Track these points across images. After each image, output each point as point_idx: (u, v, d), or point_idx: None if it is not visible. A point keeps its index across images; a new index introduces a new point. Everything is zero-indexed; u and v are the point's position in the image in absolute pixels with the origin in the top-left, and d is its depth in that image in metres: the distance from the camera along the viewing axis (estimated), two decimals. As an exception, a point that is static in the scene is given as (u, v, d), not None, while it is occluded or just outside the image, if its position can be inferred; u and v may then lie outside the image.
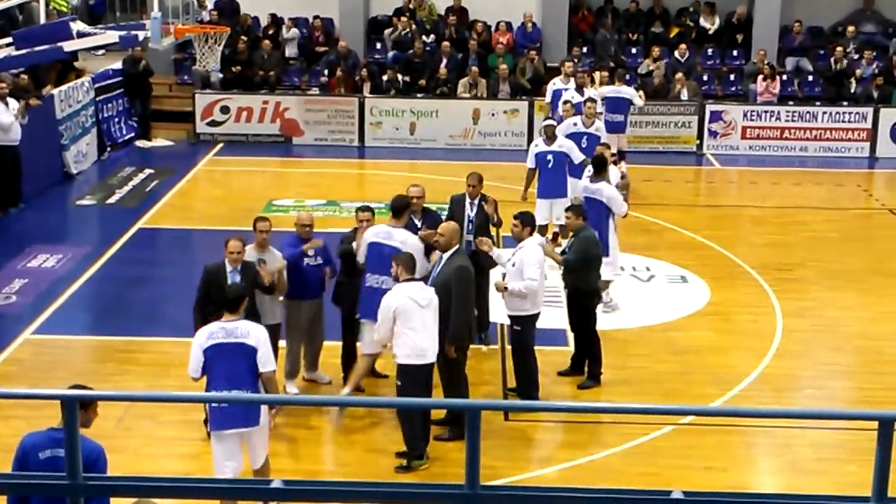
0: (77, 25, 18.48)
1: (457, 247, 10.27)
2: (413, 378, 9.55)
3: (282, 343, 10.88)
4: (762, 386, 11.62)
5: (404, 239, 10.50)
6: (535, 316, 10.90)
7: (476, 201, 12.00)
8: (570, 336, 11.99)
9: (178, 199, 18.72)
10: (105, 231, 17.01)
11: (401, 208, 10.81)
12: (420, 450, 9.80)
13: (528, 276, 10.57)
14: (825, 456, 10.19)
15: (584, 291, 11.46)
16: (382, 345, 9.92)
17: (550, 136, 15.19)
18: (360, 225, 10.91)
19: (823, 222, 17.87)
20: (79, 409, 4.92)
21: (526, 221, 10.89)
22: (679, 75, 22.94)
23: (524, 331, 10.88)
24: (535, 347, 11.09)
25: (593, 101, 17.32)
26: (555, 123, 15.78)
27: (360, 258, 10.73)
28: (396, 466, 9.77)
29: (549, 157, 15.03)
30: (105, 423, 9.77)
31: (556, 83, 19.89)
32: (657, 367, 12.12)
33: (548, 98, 19.86)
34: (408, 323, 9.50)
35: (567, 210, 11.81)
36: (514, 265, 10.72)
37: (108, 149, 21.50)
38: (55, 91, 19.64)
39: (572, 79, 19.66)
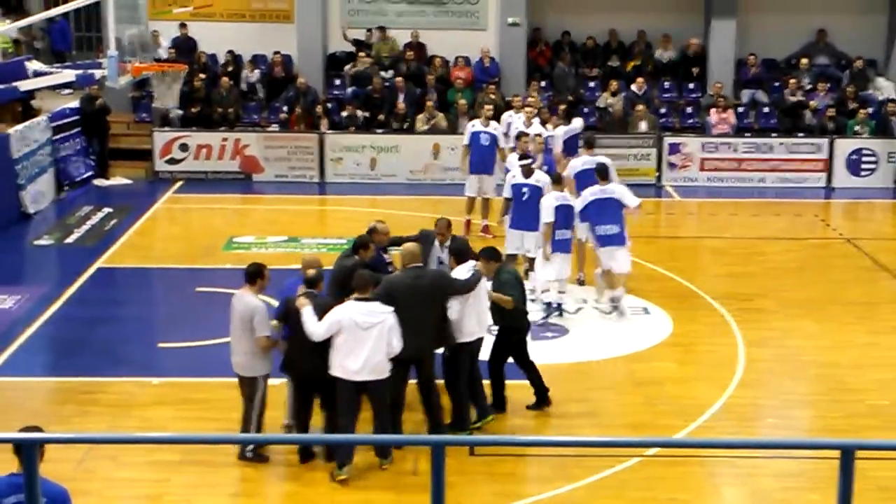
0: (33, 65, 18.42)
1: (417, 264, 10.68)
2: (341, 387, 9.94)
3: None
4: (726, 416, 11.66)
5: None
6: (464, 345, 10.88)
7: (446, 245, 12.12)
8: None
9: (137, 238, 18.59)
10: (63, 271, 16.86)
11: None
12: (347, 458, 10.06)
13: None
14: (789, 485, 10.22)
15: (517, 328, 11.58)
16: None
17: (528, 171, 15.25)
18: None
19: (782, 252, 18.03)
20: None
21: (459, 256, 11.27)
22: (640, 107, 23.12)
23: (451, 357, 10.94)
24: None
25: (540, 135, 17.59)
26: (531, 161, 15.74)
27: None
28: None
29: (525, 189, 15.09)
30: (65, 466, 9.67)
31: (511, 116, 19.63)
32: (621, 398, 12.14)
33: (505, 129, 18.97)
34: (344, 340, 9.86)
35: (481, 255, 11.67)
36: None
37: (66, 188, 21.34)
38: (11, 130, 19.50)
39: (524, 112, 19.52)
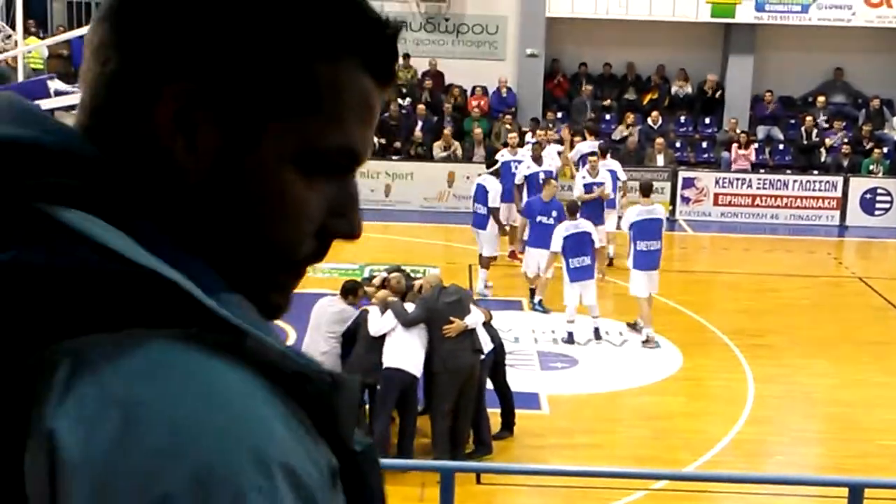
0: (55, 84, 18.49)
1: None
2: (390, 380, 10.40)
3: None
4: (734, 451, 11.64)
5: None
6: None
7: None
8: (544, 400, 11.99)
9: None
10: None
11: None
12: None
13: None
14: (796, 523, 10.19)
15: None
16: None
17: (573, 212, 15.15)
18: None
19: (794, 289, 18.01)
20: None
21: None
22: (660, 140, 23.15)
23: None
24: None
25: (551, 175, 17.38)
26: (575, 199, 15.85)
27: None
28: None
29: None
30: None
31: (504, 155, 19.20)
32: (630, 431, 12.13)
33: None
34: (392, 337, 10.55)
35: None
36: None
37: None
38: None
39: (521, 149, 19.49)
